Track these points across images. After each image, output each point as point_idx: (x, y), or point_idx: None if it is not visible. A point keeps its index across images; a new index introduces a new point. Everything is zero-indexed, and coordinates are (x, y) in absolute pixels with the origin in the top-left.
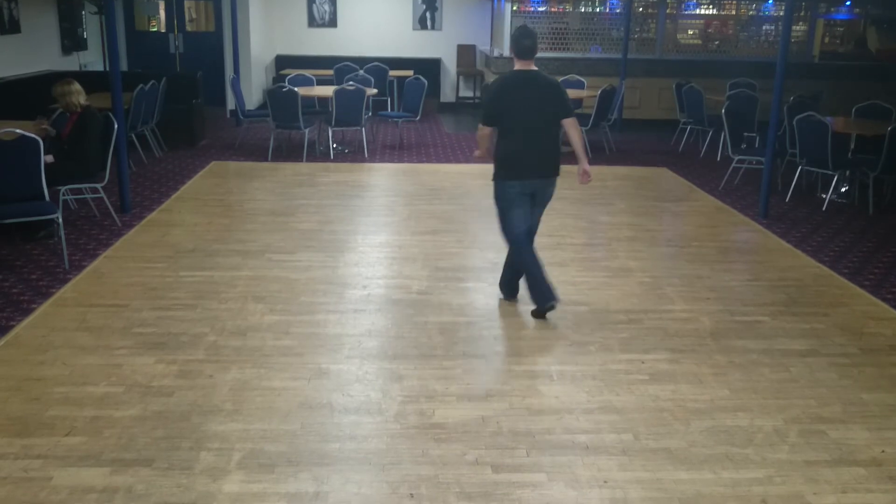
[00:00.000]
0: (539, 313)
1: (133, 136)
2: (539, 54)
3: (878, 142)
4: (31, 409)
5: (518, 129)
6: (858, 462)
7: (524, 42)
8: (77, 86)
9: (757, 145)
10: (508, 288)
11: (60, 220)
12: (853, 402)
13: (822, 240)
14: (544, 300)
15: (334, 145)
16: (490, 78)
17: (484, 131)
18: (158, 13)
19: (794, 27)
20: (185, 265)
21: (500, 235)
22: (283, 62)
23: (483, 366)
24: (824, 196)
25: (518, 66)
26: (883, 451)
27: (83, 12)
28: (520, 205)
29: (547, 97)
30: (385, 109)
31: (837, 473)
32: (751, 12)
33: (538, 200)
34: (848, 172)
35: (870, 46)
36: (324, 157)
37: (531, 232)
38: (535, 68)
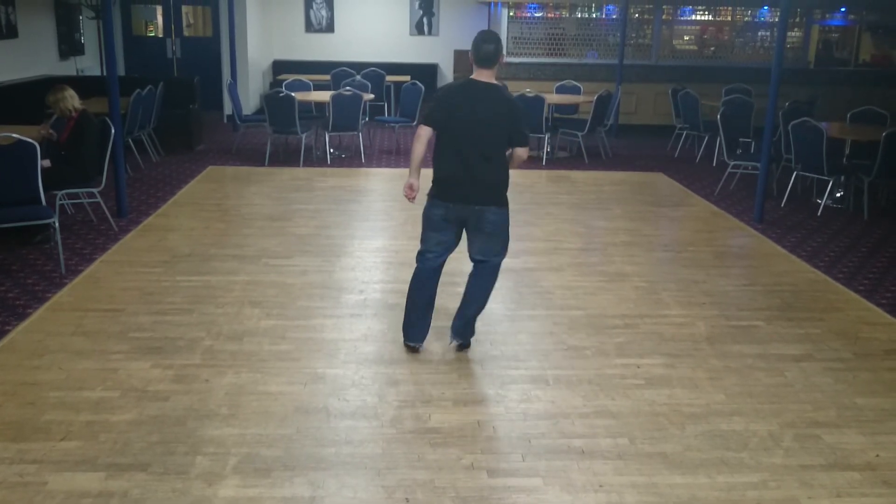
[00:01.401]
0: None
1: (130, 140)
2: (536, 59)
3: (873, 147)
4: (27, 414)
5: (457, 146)
6: (853, 466)
7: (485, 47)
8: (70, 91)
9: (752, 151)
10: (456, 326)
11: (57, 224)
12: (848, 406)
13: (817, 245)
14: (411, 336)
15: (331, 150)
16: None
17: (420, 131)
18: (156, 18)
19: (789, 33)
20: (182, 270)
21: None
22: (280, 67)
23: (479, 370)
24: (819, 201)
25: (477, 74)
26: (877, 456)
27: (81, 17)
28: (439, 229)
29: (500, 118)
30: (382, 114)
31: (832, 478)
32: (746, 18)
33: (475, 227)
34: (843, 178)
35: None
36: (321, 161)
37: (473, 269)
38: (495, 81)
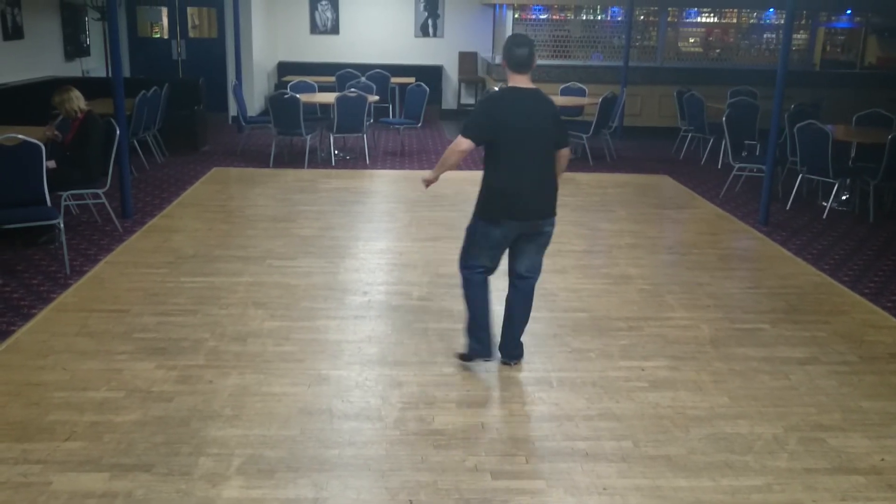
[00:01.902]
0: (468, 357)
1: (135, 141)
2: (541, 61)
3: (879, 150)
4: (31, 414)
5: (513, 160)
6: (858, 470)
7: (518, 52)
8: (75, 92)
9: (758, 153)
10: (505, 344)
11: (62, 225)
12: (853, 409)
13: (823, 248)
14: (480, 352)
15: (336, 152)
16: (492, 85)
17: (462, 145)
18: (161, 19)
19: (794, 35)
20: (186, 271)
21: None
22: (285, 69)
23: (482, 372)
24: (825, 204)
25: (513, 81)
26: (882, 460)
27: (86, 18)
28: (500, 246)
29: (547, 122)
30: (387, 116)
31: (837, 481)
32: (752, 20)
33: (529, 241)
34: (848, 180)
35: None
36: (325, 163)
37: (514, 283)
38: (533, 85)
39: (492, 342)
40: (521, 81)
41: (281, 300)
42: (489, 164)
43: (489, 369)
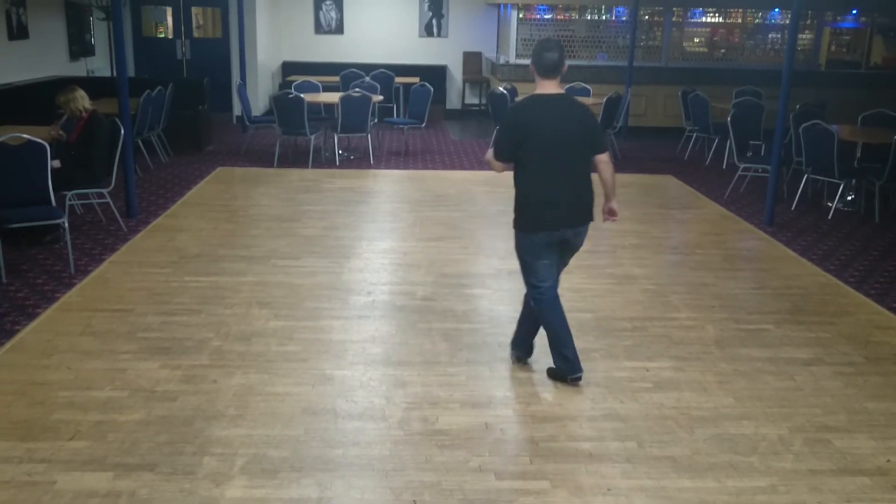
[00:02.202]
0: (556, 376)
1: (139, 141)
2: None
3: (885, 150)
4: (36, 413)
5: (544, 169)
6: (863, 471)
7: (548, 56)
8: (80, 91)
9: (763, 153)
10: (524, 346)
11: (66, 224)
12: (858, 411)
13: (828, 248)
14: (570, 369)
15: (340, 151)
16: (496, 85)
17: (495, 164)
18: (166, 19)
19: (800, 35)
20: (191, 270)
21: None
22: (289, 68)
23: (487, 372)
24: (830, 204)
25: (541, 87)
26: (888, 461)
27: (91, 18)
28: (547, 255)
29: (577, 127)
30: (391, 116)
31: (842, 483)
32: (757, 20)
33: (569, 247)
34: (854, 181)
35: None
36: (329, 163)
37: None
38: (562, 91)
39: (577, 358)
40: (549, 87)
41: (285, 300)
42: (518, 173)
43: (493, 369)
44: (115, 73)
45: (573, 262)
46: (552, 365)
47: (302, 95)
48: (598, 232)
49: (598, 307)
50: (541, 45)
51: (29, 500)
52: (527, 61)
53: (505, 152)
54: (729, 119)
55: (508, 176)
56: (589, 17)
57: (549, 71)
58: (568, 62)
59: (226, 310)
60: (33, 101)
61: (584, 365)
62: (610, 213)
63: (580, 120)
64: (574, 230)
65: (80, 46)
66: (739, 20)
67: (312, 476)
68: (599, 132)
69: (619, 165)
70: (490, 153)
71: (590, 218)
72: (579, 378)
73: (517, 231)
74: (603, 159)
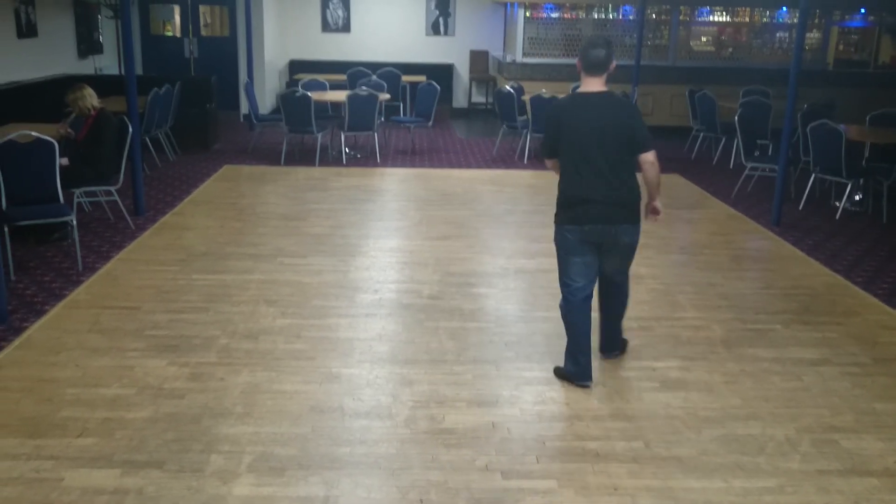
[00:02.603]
0: (564, 377)
1: (147, 139)
2: (552, 60)
3: (893, 150)
4: (44, 410)
5: (578, 164)
6: (871, 472)
7: (594, 53)
8: (89, 90)
9: (770, 153)
10: (613, 341)
11: (74, 222)
12: (866, 411)
13: (836, 248)
14: (580, 376)
15: (347, 150)
16: (503, 84)
17: (548, 164)
18: (173, 18)
19: (807, 34)
20: (198, 268)
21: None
22: (296, 67)
23: (493, 371)
24: (838, 204)
25: (584, 84)
26: None
27: (99, 16)
28: (580, 253)
29: (616, 125)
30: (398, 114)
31: (850, 484)
32: (764, 19)
33: (609, 250)
34: (862, 181)
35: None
36: (336, 161)
37: (604, 284)
38: (606, 88)
39: (590, 367)
40: (593, 84)
41: (292, 298)
42: (560, 168)
43: (499, 368)
44: (123, 72)
45: None
46: (561, 364)
47: (309, 94)
48: None
49: None
50: (588, 42)
51: (37, 496)
52: (533, 60)
53: (550, 146)
54: (736, 118)
55: (513, 175)
56: (596, 16)
57: (593, 68)
58: (575, 61)
59: (233, 308)
60: (42, 99)
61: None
62: (653, 212)
63: (620, 118)
64: (612, 228)
65: (88, 45)
66: (747, 19)
67: (319, 474)
68: (643, 130)
69: None
70: (547, 161)
71: (633, 218)
72: (587, 386)
73: (555, 224)
74: (647, 159)
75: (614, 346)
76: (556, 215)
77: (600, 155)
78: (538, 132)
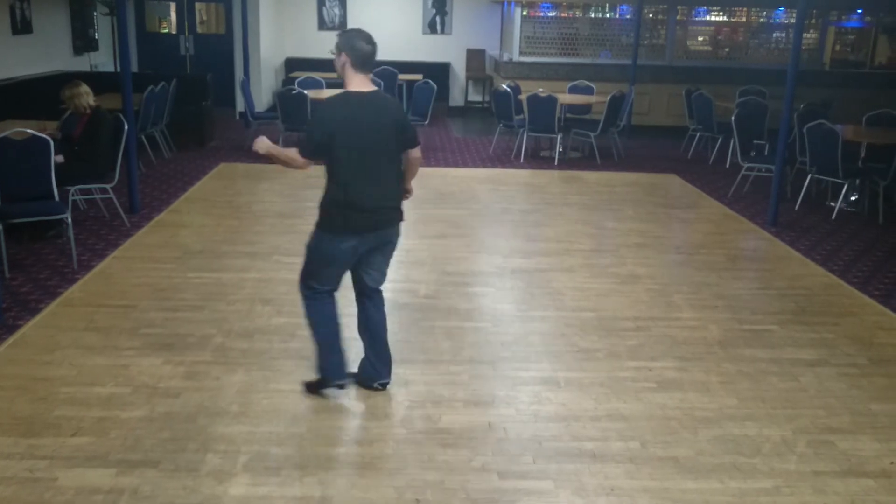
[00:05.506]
0: (316, 388)
1: (143, 137)
2: (549, 59)
3: (889, 150)
4: (38, 409)
5: (358, 169)
6: (868, 473)
7: (366, 48)
8: (85, 87)
9: (766, 153)
10: (381, 364)
11: (69, 219)
12: (862, 412)
13: (832, 249)
14: (332, 374)
15: None
16: (499, 83)
17: (298, 161)
18: (169, 15)
19: (804, 35)
20: (193, 266)
21: (298, 284)
22: (292, 65)
23: (490, 371)
24: (834, 205)
25: (355, 83)
26: (892, 463)
27: (95, 13)
28: (343, 264)
29: (390, 124)
30: None
31: (846, 484)
32: (761, 19)
33: (380, 250)
34: (858, 181)
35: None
36: None
37: (365, 296)
38: (374, 87)
39: (347, 363)
40: (364, 83)
41: (288, 296)
42: (328, 174)
43: (496, 368)
44: (118, 69)
45: (575, 260)
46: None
47: (305, 92)
48: (601, 231)
49: (601, 306)
50: (357, 35)
51: (31, 496)
52: (530, 59)
53: (313, 147)
54: (733, 118)
55: (510, 174)
56: (593, 15)
57: (365, 65)
58: (572, 60)
59: (228, 306)
60: (37, 95)
61: (587, 364)
62: (407, 193)
63: (395, 117)
64: (392, 230)
65: (83, 41)
66: (744, 19)
67: (315, 474)
68: (410, 129)
69: (623, 164)
70: (294, 155)
71: (402, 216)
72: (343, 386)
73: (319, 232)
74: (416, 154)
75: (388, 373)
76: (325, 223)
77: (384, 157)
78: (535, 131)
